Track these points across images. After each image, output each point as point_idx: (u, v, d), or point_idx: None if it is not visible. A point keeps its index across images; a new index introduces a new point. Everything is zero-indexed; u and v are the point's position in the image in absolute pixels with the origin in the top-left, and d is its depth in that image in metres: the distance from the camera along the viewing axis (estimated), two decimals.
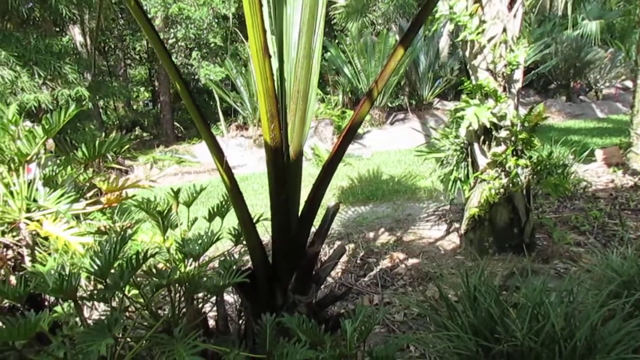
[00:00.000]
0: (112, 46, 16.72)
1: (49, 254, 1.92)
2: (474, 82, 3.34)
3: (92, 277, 1.60)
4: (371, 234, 4.46)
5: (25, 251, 1.87)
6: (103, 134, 10.58)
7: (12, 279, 1.80)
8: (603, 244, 3.50)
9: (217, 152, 1.56)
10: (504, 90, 3.30)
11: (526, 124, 3.35)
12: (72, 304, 1.57)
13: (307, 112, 1.69)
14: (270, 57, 1.42)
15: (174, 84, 1.33)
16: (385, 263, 3.69)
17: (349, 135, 1.73)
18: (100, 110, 14.84)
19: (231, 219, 2.10)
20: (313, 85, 1.67)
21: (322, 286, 3.37)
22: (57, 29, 11.22)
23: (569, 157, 4.82)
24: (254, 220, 1.90)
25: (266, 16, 1.68)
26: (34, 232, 1.79)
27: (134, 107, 19.01)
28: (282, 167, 1.68)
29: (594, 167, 5.83)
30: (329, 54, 12.41)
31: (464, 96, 3.38)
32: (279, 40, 1.68)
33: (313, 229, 2.10)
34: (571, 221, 3.96)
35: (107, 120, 16.79)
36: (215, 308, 2.43)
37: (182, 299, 1.82)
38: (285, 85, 1.70)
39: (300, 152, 1.76)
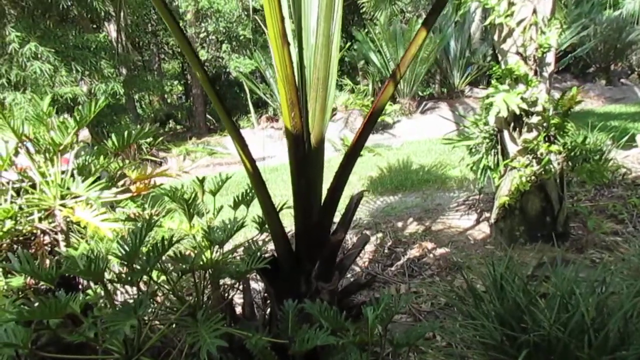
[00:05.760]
0: (147, 42, 17.10)
1: (86, 241, 2.00)
2: (503, 67, 3.25)
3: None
4: (399, 224, 4.43)
5: (60, 237, 1.95)
6: (138, 127, 10.90)
7: (48, 263, 1.89)
8: None
9: (239, 139, 1.57)
10: (535, 74, 3.19)
11: (559, 109, 3.23)
12: (102, 287, 1.63)
13: (328, 100, 1.69)
14: (289, 44, 1.42)
15: (195, 73, 1.35)
16: (413, 253, 3.66)
17: (371, 120, 1.72)
18: (136, 104, 15.24)
19: (258, 207, 2.13)
20: (333, 73, 1.66)
21: (349, 275, 3.38)
22: (95, 26, 11.57)
23: (606, 143, 4.63)
24: (278, 209, 1.92)
25: (284, 3, 1.68)
26: (67, 219, 1.87)
27: (168, 100, 19.41)
28: (303, 154, 1.69)
29: (634, 152, 5.57)
30: (358, 43, 12.31)
31: (493, 81, 3.29)
32: (298, 27, 1.68)
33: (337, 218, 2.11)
34: (608, 209, 3.81)
35: (143, 113, 17.22)
36: (242, 295, 2.47)
37: (208, 284, 1.87)
38: (305, 72, 1.70)
39: (322, 139, 1.77)
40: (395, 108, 11.60)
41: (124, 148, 1.97)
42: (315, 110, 1.68)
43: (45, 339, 1.60)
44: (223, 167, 9.68)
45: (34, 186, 1.95)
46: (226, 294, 2.07)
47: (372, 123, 1.77)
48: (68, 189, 1.77)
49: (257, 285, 3.12)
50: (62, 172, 1.94)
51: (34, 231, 1.96)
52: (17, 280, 1.68)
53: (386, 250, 3.76)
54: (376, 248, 3.83)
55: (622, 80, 14.03)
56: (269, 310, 2.18)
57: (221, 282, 2.13)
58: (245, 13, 12.39)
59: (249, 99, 12.44)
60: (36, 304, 1.53)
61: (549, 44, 3.07)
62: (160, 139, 10.77)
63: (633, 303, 1.73)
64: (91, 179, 1.77)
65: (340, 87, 13.51)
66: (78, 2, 8.36)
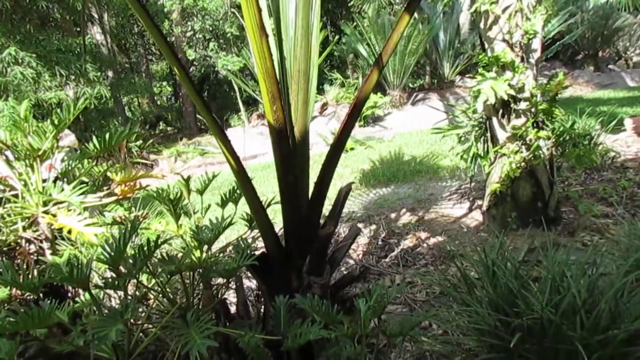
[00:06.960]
0: (133, 43, 16.96)
1: (76, 248, 1.97)
2: (489, 55, 3.24)
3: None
4: (393, 215, 4.43)
5: (45, 245, 1.92)
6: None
7: (35, 272, 1.85)
8: (632, 214, 3.37)
9: (221, 135, 1.54)
10: (522, 60, 3.18)
11: (546, 94, 3.23)
12: (88, 293, 1.61)
13: (310, 92, 1.66)
14: (267, 36, 1.40)
15: (173, 69, 1.32)
16: (406, 243, 3.65)
17: (356, 109, 1.70)
18: (125, 107, 15.11)
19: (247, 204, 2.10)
20: (314, 64, 1.64)
21: (343, 268, 3.37)
22: (78, 29, 11.44)
23: (595, 128, 4.63)
24: (265, 205, 1.90)
25: None
26: (51, 226, 1.83)
27: (158, 102, 19.27)
28: (288, 148, 1.67)
29: (623, 136, 5.60)
30: (346, 36, 12.26)
31: (480, 69, 3.28)
32: (277, 19, 1.66)
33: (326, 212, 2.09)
34: (598, 193, 3.82)
35: (132, 116, 17.08)
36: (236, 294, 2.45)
37: (199, 284, 1.85)
38: (286, 64, 1.68)
39: (306, 132, 1.74)
40: (386, 100, 11.58)
41: (106, 150, 1.94)
42: (298, 103, 1.66)
43: (33, 350, 1.57)
44: (215, 166, 9.63)
45: (17, 195, 1.92)
46: (218, 294, 2.05)
47: (357, 112, 1.74)
48: (50, 195, 1.73)
49: (251, 283, 3.10)
50: (44, 181, 1.90)
51: (19, 240, 1.93)
52: (1, 292, 1.64)
53: (380, 242, 3.75)
54: (370, 240, 3.82)
55: (610, 66, 14.09)
56: (262, 307, 2.16)
57: (213, 281, 2.11)
58: (232, 10, 12.31)
59: (238, 97, 12.38)
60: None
61: (535, 30, 3.06)
62: (150, 141, 10.69)
63: (623, 282, 1.73)
64: (73, 184, 1.73)
65: (330, 82, 13.47)
66: (59, 3, 8.23)
